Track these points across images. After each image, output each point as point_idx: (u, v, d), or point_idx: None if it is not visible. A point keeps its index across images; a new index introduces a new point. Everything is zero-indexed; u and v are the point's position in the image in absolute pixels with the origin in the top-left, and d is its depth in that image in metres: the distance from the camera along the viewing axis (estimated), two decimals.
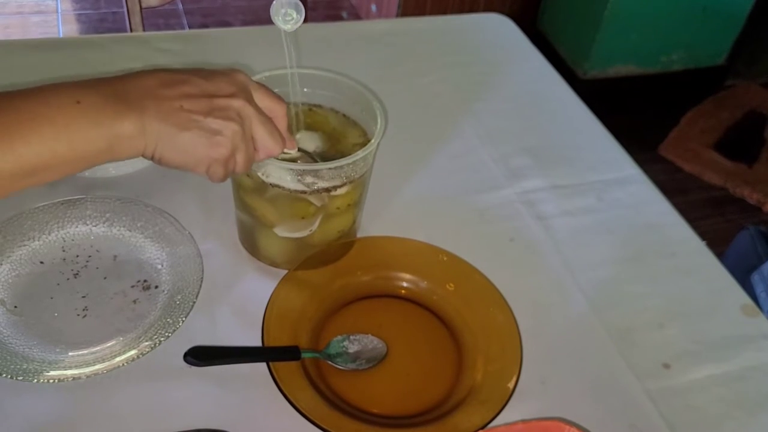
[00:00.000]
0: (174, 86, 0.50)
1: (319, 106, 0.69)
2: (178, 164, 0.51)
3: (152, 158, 0.50)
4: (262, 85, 0.55)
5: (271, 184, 0.60)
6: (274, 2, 0.57)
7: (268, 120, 0.54)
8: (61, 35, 2.32)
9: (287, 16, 0.58)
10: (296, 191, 0.60)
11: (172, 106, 0.49)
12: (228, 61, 0.94)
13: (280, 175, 0.59)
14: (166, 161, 0.50)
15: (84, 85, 0.47)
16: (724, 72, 2.47)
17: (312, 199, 0.61)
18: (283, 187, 0.60)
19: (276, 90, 0.65)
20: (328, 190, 0.61)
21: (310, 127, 0.67)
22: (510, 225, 0.77)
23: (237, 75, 0.54)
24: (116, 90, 0.48)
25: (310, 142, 0.65)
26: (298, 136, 0.65)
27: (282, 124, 0.56)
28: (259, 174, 0.60)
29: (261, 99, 0.54)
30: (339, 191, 0.61)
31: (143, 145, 0.48)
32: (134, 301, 0.63)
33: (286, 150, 0.57)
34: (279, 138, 0.55)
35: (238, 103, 0.51)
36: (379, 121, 0.62)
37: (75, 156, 0.46)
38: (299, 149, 0.62)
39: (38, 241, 0.66)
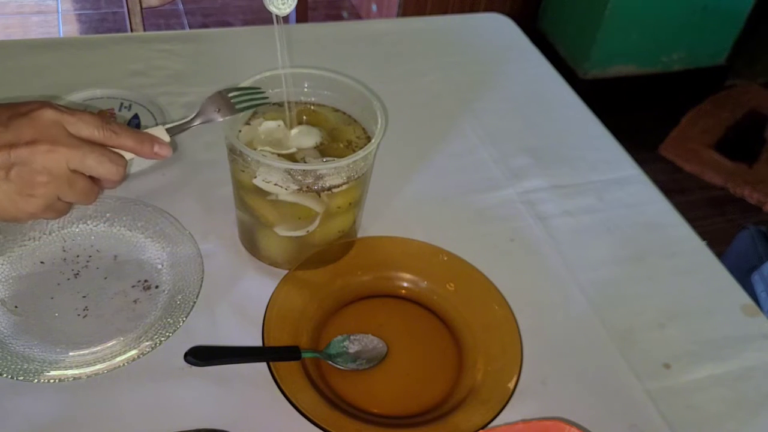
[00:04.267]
0: None
1: (320, 105, 0.69)
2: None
3: None
4: (78, 112, 0.50)
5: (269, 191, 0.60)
6: None
7: (93, 148, 0.49)
8: (62, 35, 2.33)
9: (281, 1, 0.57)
10: (293, 194, 0.60)
11: None
12: (228, 61, 0.94)
13: (276, 181, 0.59)
14: None
15: None
16: (725, 72, 2.46)
17: (311, 204, 0.61)
18: (279, 195, 0.60)
19: (277, 90, 0.66)
20: (328, 188, 0.61)
21: (310, 124, 0.67)
22: (510, 225, 0.77)
23: (42, 113, 0.48)
24: None
25: (310, 137, 0.65)
26: (296, 131, 0.65)
27: (122, 139, 0.51)
28: (256, 182, 0.60)
29: (81, 129, 0.50)
30: (339, 189, 0.61)
31: None
32: (135, 301, 0.63)
33: (282, 153, 0.56)
34: (113, 162, 0.50)
35: (42, 149, 0.47)
36: (379, 120, 0.62)
37: None
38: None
39: (38, 241, 0.66)
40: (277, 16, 0.58)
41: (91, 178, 0.51)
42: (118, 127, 0.52)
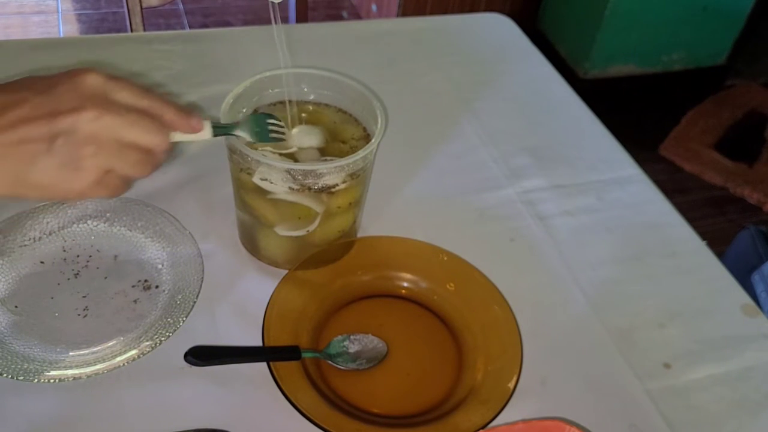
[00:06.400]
0: (10, 110, 0.42)
1: (320, 105, 0.69)
2: (47, 200, 0.46)
3: (19, 199, 0.44)
4: (122, 79, 0.47)
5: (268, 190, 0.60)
6: None
7: (138, 117, 0.46)
8: (62, 35, 2.33)
9: None
10: (293, 194, 0.60)
11: (11, 140, 0.42)
12: (228, 61, 0.94)
13: (276, 181, 0.59)
14: (32, 200, 0.44)
15: None
16: (725, 72, 2.47)
17: (311, 204, 0.61)
18: (279, 194, 0.60)
19: (277, 90, 0.66)
20: (328, 188, 0.61)
21: (310, 123, 0.67)
22: (510, 225, 0.77)
23: (85, 79, 0.45)
24: None
25: (311, 136, 0.65)
26: (296, 130, 0.65)
27: (164, 109, 0.49)
28: (256, 180, 0.60)
29: (126, 96, 0.47)
30: (339, 189, 0.61)
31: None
32: (135, 301, 0.63)
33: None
34: (160, 130, 0.48)
35: (87, 116, 0.44)
36: (379, 120, 0.62)
37: None
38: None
39: (39, 240, 0.66)
40: (274, 10, 0.58)
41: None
42: (160, 96, 0.49)
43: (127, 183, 0.48)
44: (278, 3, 0.57)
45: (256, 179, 0.59)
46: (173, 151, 0.54)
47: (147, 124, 0.47)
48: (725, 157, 2.16)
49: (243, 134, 0.58)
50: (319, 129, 0.65)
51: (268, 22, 0.62)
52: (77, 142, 0.43)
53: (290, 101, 0.64)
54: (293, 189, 0.59)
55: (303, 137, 0.64)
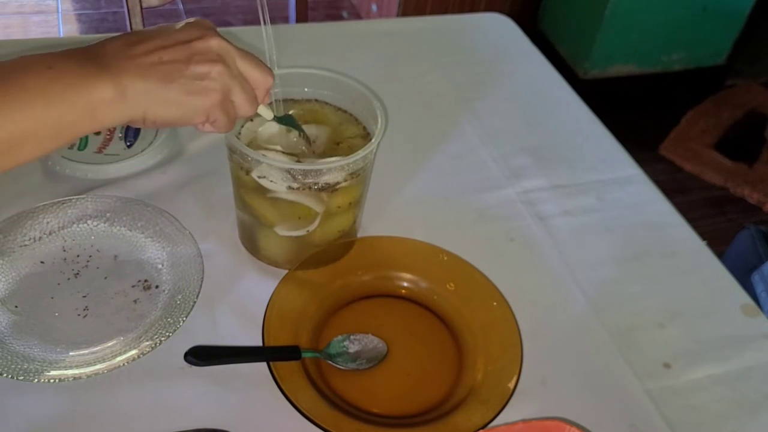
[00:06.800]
0: (145, 42, 0.47)
1: (320, 104, 0.69)
2: (173, 120, 0.48)
3: (144, 122, 0.47)
4: (242, 51, 0.53)
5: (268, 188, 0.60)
6: None
7: (248, 53, 0.52)
8: (62, 35, 2.33)
9: None
10: (293, 193, 0.60)
11: (149, 61, 0.46)
12: None
13: (276, 179, 0.59)
14: (160, 120, 0.48)
15: (55, 53, 0.45)
16: (725, 72, 2.46)
17: (311, 204, 0.61)
18: (279, 192, 0.60)
19: (277, 90, 0.66)
20: (329, 188, 0.61)
21: (311, 123, 0.67)
22: (510, 225, 0.77)
23: (202, 21, 0.51)
24: (89, 54, 0.46)
25: (313, 135, 0.65)
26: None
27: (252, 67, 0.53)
28: (256, 177, 0.60)
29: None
30: (339, 188, 0.61)
31: (127, 108, 0.46)
32: (135, 301, 0.63)
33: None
34: (262, 70, 0.53)
35: (214, 42, 0.49)
36: (379, 120, 0.62)
37: (54, 124, 0.43)
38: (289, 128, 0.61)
39: (39, 240, 0.66)
40: (263, 10, 0.58)
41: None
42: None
43: (234, 118, 0.52)
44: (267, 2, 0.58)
45: (254, 175, 0.59)
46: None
47: (255, 60, 0.52)
48: (725, 157, 2.16)
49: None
50: (322, 128, 0.66)
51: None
52: (209, 60, 0.48)
53: (277, 101, 0.64)
54: (293, 188, 0.59)
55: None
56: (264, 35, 0.60)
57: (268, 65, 0.54)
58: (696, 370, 0.65)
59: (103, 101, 0.44)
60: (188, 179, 0.76)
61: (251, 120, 0.66)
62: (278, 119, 0.60)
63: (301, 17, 1.44)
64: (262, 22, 0.59)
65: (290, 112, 0.67)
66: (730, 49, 2.40)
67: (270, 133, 0.64)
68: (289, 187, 0.59)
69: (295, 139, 0.64)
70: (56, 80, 0.43)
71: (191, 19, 0.51)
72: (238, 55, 0.51)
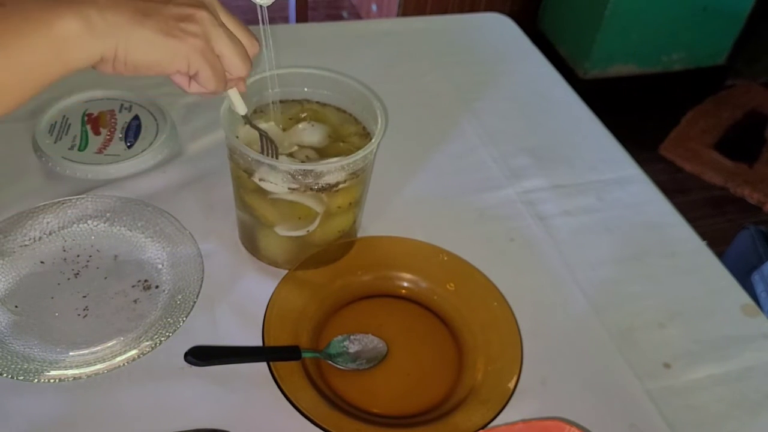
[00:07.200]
0: None
1: (320, 104, 0.69)
2: (149, 63, 0.43)
3: (115, 62, 0.42)
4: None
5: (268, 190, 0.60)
6: None
7: (234, 17, 0.49)
8: None
9: None
10: (293, 194, 0.60)
11: None
12: None
13: (276, 181, 0.59)
14: (134, 61, 0.42)
15: None
16: (725, 72, 2.46)
17: (311, 204, 0.61)
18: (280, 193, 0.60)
19: (277, 90, 0.66)
20: (328, 188, 0.61)
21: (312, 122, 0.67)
22: (510, 225, 0.77)
23: None
24: None
25: (314, 134, 0.65)
26: (300, 126, 0.65)
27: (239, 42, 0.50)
28: (257, 181, 0.60)
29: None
30: (339, 188, 0.61)
31: (97, 45, 0.41)
32: (135, 301, 0.63)
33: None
34: (251, 33, 0.50)
35: None
36: (379, 120, 0.62)
37: (17, 71, 0.39)
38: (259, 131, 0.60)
39: (39, 240, 0.66)
40: (262, 13, 0.58)
41: None
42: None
43: (221, 74, 0.48)
44: (267, 6, 0.57)
45: (255, 179, 0.59)
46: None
47: (242, 24, 0.50)
48: (725, 157, 2.16)
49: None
50: (323, 127, 0.66)
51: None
52: (190, 2, 0.45)
53: (274, 102, 0.64)
54: (293, 189, 0.59)
55: (307, 135, 0.64)
56: (262, 38, 0.60)
57: (268, 66, 0.54)
58: (696, 370, 0.65)
59: (68, 36, 0.39)
60: (188, 179, 0.76)
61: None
62: (245, 118, 0.58)
63: (301, 17, 1.44)
64: (260, 23, 0.59)
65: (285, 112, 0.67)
66: (730, 49, 2.40)
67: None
68: (290, 188, 0.59)
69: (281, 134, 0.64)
70: (9, 17, 0.38)
71: None
72: (222, 10, 0.48)
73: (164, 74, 0.46)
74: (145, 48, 0.43)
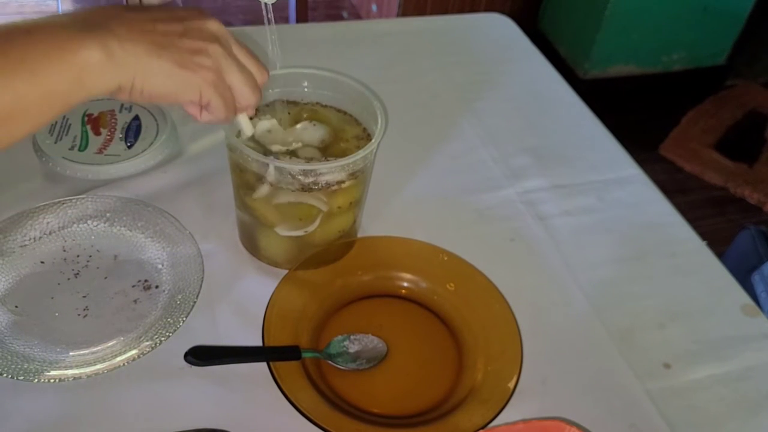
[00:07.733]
0: (139, 11, 0.46)
1: (320, 104, 0.69)
2: (164, 92, 0.46)
3: (132, 91, 0.45)
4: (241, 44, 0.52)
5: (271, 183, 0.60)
6: None
7: (244, 46, 0.51)
8: None
9: None
10: (293, 194, 0.60)
11: (143, 27, 0.44)
12: None
13: (279, 178, 0.59)
14: (150, 90, 0.45)
15: (36, 18, 0.42)
16: (725, 72, 2.47)
17: (312, 204, 0.61)
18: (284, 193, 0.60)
19: (277, 90, 0.66)
20: (329, 188, 0.61)
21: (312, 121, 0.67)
22: (510, 225, 0.77)
23: (204, 9, 0.50)
24: (75, 17, 0.43)
25: (315, 134, 0.65)
26: (300, 125, 0.65)
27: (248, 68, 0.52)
28: (263, 194, 0.60)
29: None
30: (339, 189, 0.61)
31: (116, 74, 0.43)
32: (135, 301, 0.63)
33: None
34: (257, 65, 0.52)
35: (212, 24, 0.49)
36: (379, 120, 0.62)
37: (41, 94, 0.41)
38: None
39: (39, 240, 0.66)
40: (267, 10, 0.58)
41: None
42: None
43: (231, 105, 0.50)
44: (272, 3, 0.58)
45: (255, 180, 0.60)
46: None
47: (252, 53, 0.51)
48: (725, 157, 2.16)
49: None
50: (324, 127, 0.66)
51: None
52: (204, 38, 0.47)
53: (282, 101, 0.64)
54: (293, 189, 0.59)
55: (308, 134, 0.64)
56: (268, 36, 0.60)
57: (270, 64, 0.54)
58: (696, 370, 0.65)
59: (90, 64, 0.42)
60: (188, 179, 0.76)
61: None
62: (251, 139, 0.60)
63: (301, 17, 1.44)
64: (266, 22, 0.59)
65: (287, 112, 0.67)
66: (730, 49, 2.40)
67: (264, 129, 0.64)
68: (290, 188, 0.59)
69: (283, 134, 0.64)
70: (37, 45, 0.41)
71: (192, 7, 0.51)
72: (234, 43, 0.50)
73: (177, 103, 0.49)
74: (161, 78, 0.45)
